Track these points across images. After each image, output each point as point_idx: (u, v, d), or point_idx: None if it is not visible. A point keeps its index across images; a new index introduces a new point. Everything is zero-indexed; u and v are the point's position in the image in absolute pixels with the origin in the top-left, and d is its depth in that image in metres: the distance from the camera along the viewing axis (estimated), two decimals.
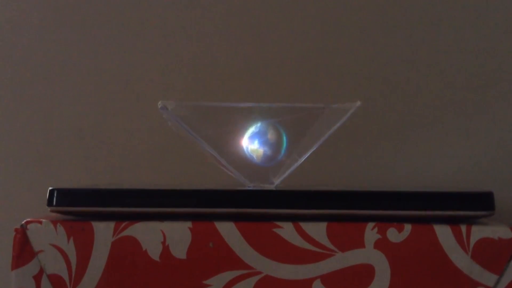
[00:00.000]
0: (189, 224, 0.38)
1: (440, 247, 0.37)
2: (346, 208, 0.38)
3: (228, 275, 0.37)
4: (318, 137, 0.42)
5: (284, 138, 0.42)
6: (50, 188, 0.39)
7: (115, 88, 0.60)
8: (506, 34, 0.59)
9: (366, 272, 0.37)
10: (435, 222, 0.38)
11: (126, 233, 0.38)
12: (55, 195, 0.38)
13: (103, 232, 0.38)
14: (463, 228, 0.37)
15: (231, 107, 0.43)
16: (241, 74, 0.60)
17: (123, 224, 0.38)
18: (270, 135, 0.42)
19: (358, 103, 0.42)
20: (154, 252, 0.38)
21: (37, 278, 0.37)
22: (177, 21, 0.61)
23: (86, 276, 0.37)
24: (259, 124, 0.41)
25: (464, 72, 0.59)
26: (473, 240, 0.37)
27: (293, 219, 0.38)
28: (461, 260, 0.37)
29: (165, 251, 0.37)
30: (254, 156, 0.41)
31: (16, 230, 0.38)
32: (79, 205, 0.38)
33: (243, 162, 0.43)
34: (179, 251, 0.37)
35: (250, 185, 0.43)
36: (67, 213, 0.39)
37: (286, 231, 0.38)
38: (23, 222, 0.38)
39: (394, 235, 0.38)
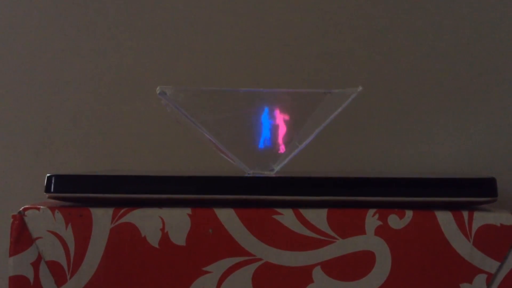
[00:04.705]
0: (188, 210, 0.38)
1: (442, 234, 0.37)
2: (346, 194, 0.38)
3: (227, 262, 0.37)
4: (319, 123, 0.42)
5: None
6: (48, 174, 0.38)
7: (112, 74, 0.60)
8: (507, 21, 0.59)
9: (367, 258, 0.37)
10: (436, 208, 0.38)
11: (124, 219, 0.37)
12: (53, 181, 0.38)
13: (102, 219, 0.37)
14: (465, 214, 0.37)
15: (231, 92, 0.42)
16: (241, 59, 0.60)
17: (122, 211, 0.38)
18: None
19: (360, 88, 0.41)
20: (153, 238, 0.37)
21: (35, 265, 0.37)
22: (175, 7, 0.60)
23: (84, 262, 0.37)
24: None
25: (466, 58, 0.59)
26: (475, 226, 0.37)
27: (294, 205, 0.38)
28: (462, 246, 0.37)
29: (164, 238, 0.37)
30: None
31: (14, 216, 0.38)
32: (77, 192, 0.38)
33: (242, 148, 0.42)
34: (179, 238, 0.37)
35: (249, 172, 0.42)
36: (65, 199, 0.39)
37: (286, 217, 0.37)
38: (21, 209, 0.38)
39: (395, 221, 0.37)
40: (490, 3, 0.59)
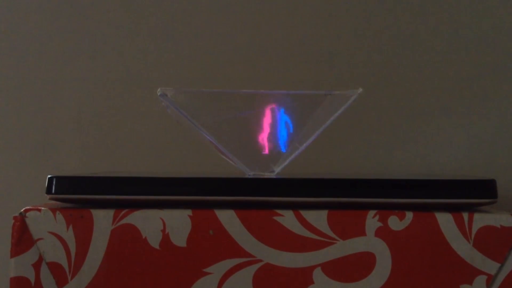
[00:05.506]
0: (189, 212, 0.38)
1: (442, 235, 0.37)
2: (347, 196, 0.38)
3: (228, 263, 0.37)
4: (319, 125, 0.42)
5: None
6: (49, 176, 0.38)
7: (113, 75, 0.60)
8: (506, 23, 0.59)
9: (367, 260, 0.37)
10: (436, 210, 0.38)
11: (125, 221, 0.38)
12: (54, 183, 0.38)
13: (103, 220, 0.37)
14: (465, 216, 0.37)
15: (232, 94, 0.42)
16: (242, 60, 0.60)
17: (123, 212, 0.38)
18: None
19: (360, 90, 0.41)
20: (154, 240, 0.37)
21: (36, 266, 0.37)
22: (175, 7, 0.60)
23: (85, 264, 0.37)
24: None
25: (466, 58, 0.59)
26: (475, 228, 0.37)
27: (294, 207, 0.38)
28: (462, 248, 0.37)
29: (165, 239, 0.37)
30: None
31: (15, 218, 0.38)
32: (78, 193, 0.38)
33: (243, 150, 0.42)
34: (179, 239, 0.37)
35: (250, 173, 0.42)
36: (66, 201, 0.39)
37: (287, 219, 0.38)
38: (22, 210, 0.38)
39: (395, 223, 0.37)
40: (490, 3, 0.59)
